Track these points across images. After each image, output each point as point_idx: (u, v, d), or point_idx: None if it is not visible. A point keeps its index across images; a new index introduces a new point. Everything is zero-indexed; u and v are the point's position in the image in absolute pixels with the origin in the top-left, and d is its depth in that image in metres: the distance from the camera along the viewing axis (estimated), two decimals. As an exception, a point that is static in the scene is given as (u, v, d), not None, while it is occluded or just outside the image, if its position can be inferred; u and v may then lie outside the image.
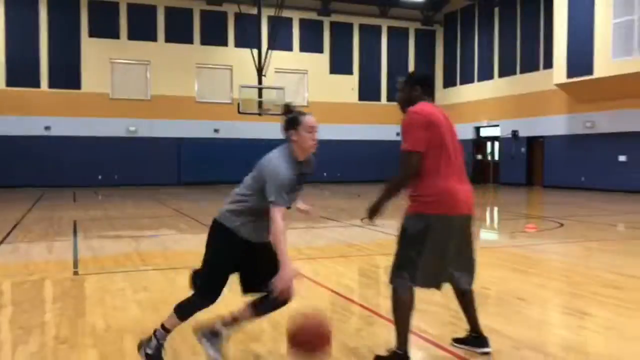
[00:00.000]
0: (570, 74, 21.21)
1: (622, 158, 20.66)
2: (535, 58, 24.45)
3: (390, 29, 29.78)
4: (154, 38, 25.94)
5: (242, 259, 3.47)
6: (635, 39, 18.77)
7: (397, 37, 29.98)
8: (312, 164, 3.63)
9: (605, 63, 19.74)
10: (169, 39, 26.11)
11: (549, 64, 22.84)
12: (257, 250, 3.46)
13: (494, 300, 5.28)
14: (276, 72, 27.19)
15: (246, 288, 3.57)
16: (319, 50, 28.50)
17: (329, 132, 27.92)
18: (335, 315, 4.72)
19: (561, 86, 21.85)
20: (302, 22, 28.13)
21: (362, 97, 29.39)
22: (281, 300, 3.36)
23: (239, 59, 26.26)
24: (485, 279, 5.69)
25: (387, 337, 3.94)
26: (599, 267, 7.01)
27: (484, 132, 28.31)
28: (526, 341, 3.97)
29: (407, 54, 30.35)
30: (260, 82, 23.63)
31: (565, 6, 21.28)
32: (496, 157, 27.41)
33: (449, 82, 30.09)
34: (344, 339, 4.07)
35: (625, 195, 19.25)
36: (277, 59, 26.86)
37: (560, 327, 4.52)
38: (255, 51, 23.66)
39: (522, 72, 25.26)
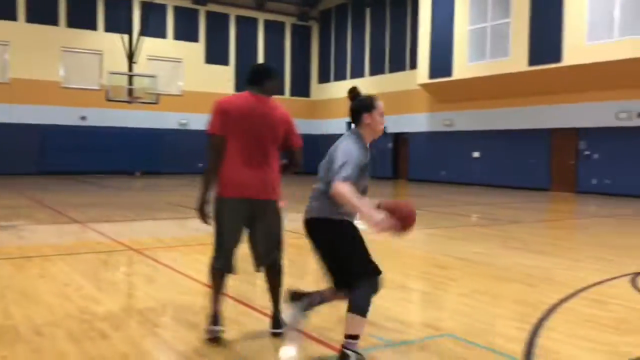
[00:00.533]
0: (432, 75, 22.74)
1: (475, 154, 22.50)
2: (402, 58, 25.87)
3: (267, 22, 30.06)
4: (13, 17, 24.25)
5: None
6: (487, 45, 20.50)
7: (274, 30, 30.34)
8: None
9: (463, 66, 21.39)
10: (30, 19, 24.53)
11: (414, 65, 24.28)
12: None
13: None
14: (149, 59, 26.50)
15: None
16: (194, 39, 28.15)
17: (204, 122, 27.78)
18: (199, 302, 4.93)
19: (424, 86, 23.35)
20: (177, 9, 27.62)
21: (238, 88, 29.41)
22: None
23: (109, 44, 25.26)
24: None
25: (250, 324, 4.21)
26: (434, 250, 7.78)
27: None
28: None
29: (284, 48, 30.81)
30: (130, 69, 22.96)
31: (429, 11, 22.76)
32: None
33: (324, 78, 30.99)
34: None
35: (478, 188, 21.01)
36: (151, 46, 26.24)
37: (385, 299, 5.02)
38: (126, 37, 22.94)
39: (390, 71, 26.62)
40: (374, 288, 3.33)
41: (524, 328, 4.15)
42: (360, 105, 3.54)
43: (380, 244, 5.02)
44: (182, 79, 27.80)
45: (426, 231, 9.51)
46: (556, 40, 18.19)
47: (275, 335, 3.84)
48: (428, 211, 12.77)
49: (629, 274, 6.16)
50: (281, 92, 30.59)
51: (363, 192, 3.40)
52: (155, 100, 22.87)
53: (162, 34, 27.24)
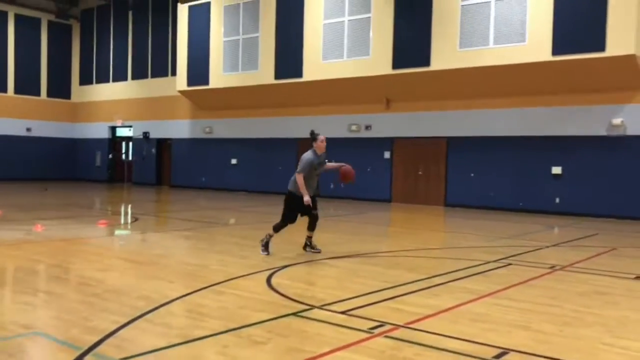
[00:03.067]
0: (190, 83, 23.11)
1: (233, 161, 23.35)
2: (164, 64, 25.83)
3: (19, 17, 27.83)
4: None
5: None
6: (239, 57, 21.48)
7: (28, 26, 28.17)
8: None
9: (218, 75, 22.11)
10: None
11: (175, 72, 24.41)
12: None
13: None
14: None
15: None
16: None
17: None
18: None
19: (183, 93, 23.62)
20: None
21: (-18, 87, 26.77)
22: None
23: None
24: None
25: None
26: (145, 251, 8.08)
27: (119, 132, 28.66)
28: None
29: (40, 46, 28.76)
30: None
31: (186, 20, 23.11)
32: (130, 157, 28.02)
33: (86, 79, 29.61)
34: None
35: (235, 193, 21.83)
36: None
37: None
38: None
39: (153, 76, 26.40)
40: (283, 227, 8.04)
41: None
42: (311, 138, 8.12)
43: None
44: None
45: (147, 234, 9.71)
46: (298, 57, 19.76)
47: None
48: (155, 216, 13.01)
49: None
50: (37, 93, 28.61)
51: (316, 177, 8.08)
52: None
53: None
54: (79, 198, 18.56)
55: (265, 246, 7.98)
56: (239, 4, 21.47)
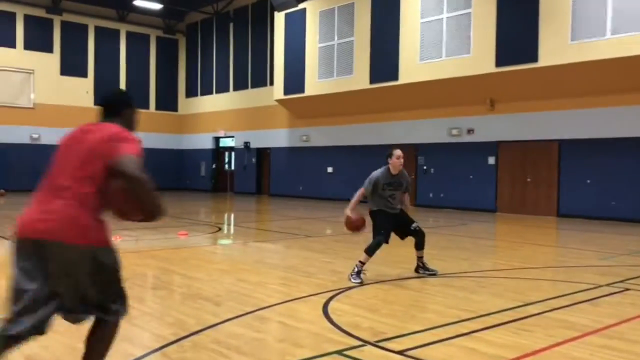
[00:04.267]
0: (286, 91, 22.85)
1: (330, 169, 22.77)
2: (263, 74, 25.85)
3: (129, 34, 29.14)
4: None
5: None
6: (334, 62, 20.87)
7: (138, 42, 29.44)
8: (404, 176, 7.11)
9: (313, 83, 21.65)
10: None
11: (273, 81, 24.32)
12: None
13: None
14: (-4, 69, 24.99)
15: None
16: (48, 49, 26.74)
17: (59, 136, 26.43)
18: None
19: (280, 102, 23.42)
20: (28, 18, 26.15)
21: (98, 101, 28.14)
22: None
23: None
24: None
25: None
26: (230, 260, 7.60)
27: (222, 143, 29.10)
28: None
29: (149, 60, 29.96)
30: (-37, 79, 21.39)
31: (283, 30, 22.91)
32: (232, 167, 28.33)
33: (192, 92, 30.43)
34: None
35: (331, 202, 21.22)
36: (-2, 55, 24.95)
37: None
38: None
39: (252, 86, 26.51)
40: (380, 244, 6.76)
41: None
42: (386, 155, 6.95)
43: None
44: (34, 90, 26.31)
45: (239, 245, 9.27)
46: (394, 60, 18.79)
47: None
48: (242, 227, 12.60)
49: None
50: (146, 106, 29.79)
51: (389, 198, 6.91)
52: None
53: (10, 44, 25.68)
54: (173, 208, 18.76)
55: (358, 274, 6.64)
56: (333, 8, 20.90)
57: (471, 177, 18.15)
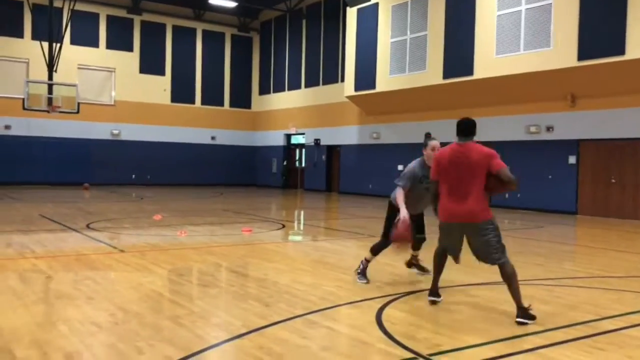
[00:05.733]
0: (357, 88, 22.54)
1: (400, 167, 22.27)
2: (334, 71, 25.67)
3: (205, 33, 29.73)
4: None
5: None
6: (407, 58, 20.36)
7: (213, 40, 30.01)
8: None
9: (385, 78, 21.22)
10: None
11: (344, 78, 24.07)
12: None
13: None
14: (80, 68, 26.13)
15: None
16: (129, 48, 27.69)
17: (137, 132, 27.41)
18: None
19: (351, 98, 23.13)
20: (110, 18, 27.17)
21: (175, 99, 29.01)
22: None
23: (36, 53, 24.66)
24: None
25: None
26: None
27: (294, 140, 29.17)
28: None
29: (224, 58, 30.48)
30: (50, 77, 22.45)
31: (354, 25, 22.60)
32: (303, 164, 28.34)
33: (264, 89, 30.69)
34: None
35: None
36: (83, 54, 26.07)
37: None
38: (46, 45, 22.51)
39: (324, 83, 26.39)
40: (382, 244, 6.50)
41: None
42: (423, 145, 6.23)
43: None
44: (115, 88, 27.32)
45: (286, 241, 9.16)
46: (468, 54, 18.08)
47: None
48: (309, 225, 12.43)
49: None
50: (221, 104, 30.35)
51: (424, 191, 6.10)
52: (75, 109, 22.32)
53: (94, 43, 26.78)
54: (241, 205, 18.89)
55: (363, 273, 6.45)
56: (406, 3, 20.39)
57: (550, 177, 17.20)
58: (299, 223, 14.34)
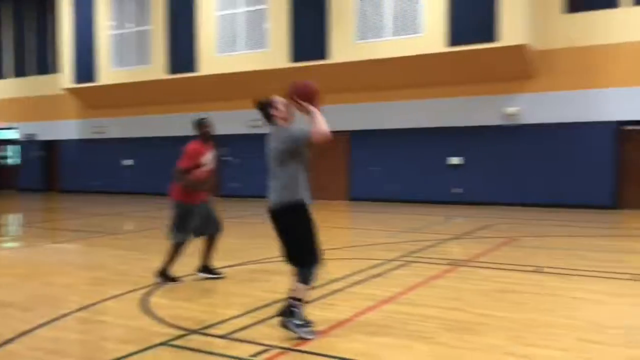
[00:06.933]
0: (77, 80, 21.44)
1: (127, 162, 21.95)
2: (47, 61, 23.90)
3: None
4: None
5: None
6: (133, 52, 20.12)
7: None
8: None
9: (107, 71, 20.64)
10: None
11: (58, 68, 22.63)
12: None
13: None
14: None
15: None
16: None
17: None
18: None
19: (70, 91, 21.91)
20: None
21: None
22: None
23: None
24: None
25: None
26: None
27: (1, 135, 26.28)
28: None
29: None
30: None
31: (69, 13, 21.38)
32: (18, 162, 25.74)
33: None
34: None
35: (130, 196, 20.49)
36: None
37: None
38: None
39: (36, 73, 24.38)
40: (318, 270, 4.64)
41: None
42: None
43: None
44: None
45: None
46: (193, 51, 18.74)
47: None
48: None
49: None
50: None
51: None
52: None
53: None
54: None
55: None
56: (125, -6, 20.11)
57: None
58: (25, 226, 13.33)
